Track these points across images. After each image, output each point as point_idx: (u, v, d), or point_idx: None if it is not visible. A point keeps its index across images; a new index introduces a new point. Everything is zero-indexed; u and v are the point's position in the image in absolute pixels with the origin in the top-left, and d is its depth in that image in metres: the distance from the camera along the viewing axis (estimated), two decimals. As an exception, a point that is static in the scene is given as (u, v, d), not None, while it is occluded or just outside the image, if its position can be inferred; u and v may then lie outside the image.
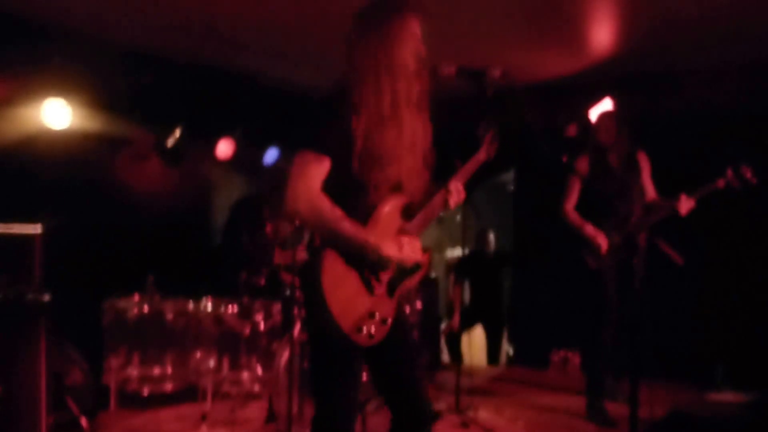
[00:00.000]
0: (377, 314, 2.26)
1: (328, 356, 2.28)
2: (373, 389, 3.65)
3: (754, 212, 5.77)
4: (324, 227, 2.21)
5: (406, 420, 2.41)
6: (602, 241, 4.62)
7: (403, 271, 2.34)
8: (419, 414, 2.41)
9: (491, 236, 7.28)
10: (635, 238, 4.55)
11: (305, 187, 2.19)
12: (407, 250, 2.30)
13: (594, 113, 5.19)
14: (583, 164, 4.91)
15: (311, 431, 2.32)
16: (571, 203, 4.88)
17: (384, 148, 2.23)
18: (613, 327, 4.65)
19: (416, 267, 2.38)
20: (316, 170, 2.20)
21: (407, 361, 2.42)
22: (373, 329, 2.24)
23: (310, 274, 2.20)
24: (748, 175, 4.43)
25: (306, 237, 4.51)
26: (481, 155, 2.54)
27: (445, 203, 2.41)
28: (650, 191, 4.79)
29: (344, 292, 2.21)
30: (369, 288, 2.25)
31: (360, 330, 2.21)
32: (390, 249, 2.25)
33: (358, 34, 2.29)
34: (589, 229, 4.68)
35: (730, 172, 4.45)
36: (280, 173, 5.34)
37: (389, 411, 2.45)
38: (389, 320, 2.30)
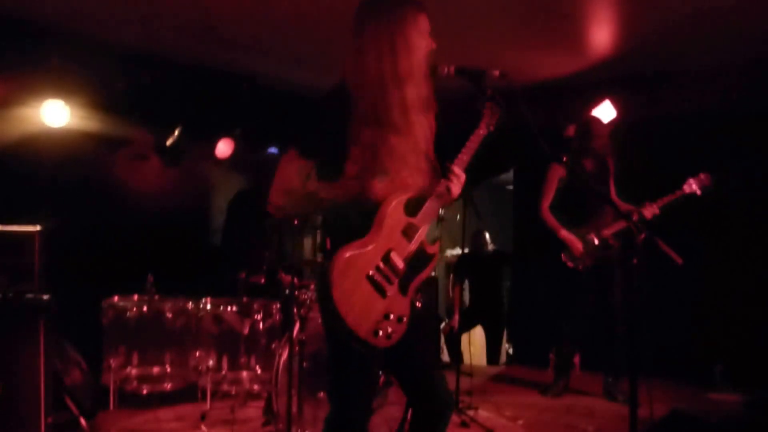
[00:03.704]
0: (392, 314, 2.24)
1: (346, 360, 2.28)
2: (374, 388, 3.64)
3: (753, 212, 5.78)
4: (304, 202, 2.28)
5: (426, 410, 2.43)
6: (576, 245, 5.01)
7: (414, 266, 2.32)
8: (438, 404, 2.43)
9: (487, 237, 7.29)
10: (609, 242, 4.99)
11: (280, 180, 2.30)
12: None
13: (594, 116, 5.25)
14: (559, 167, 5.18)
15: (325, 430, 2.33)
16: (547, 202, 5.20)
17: (385, 149, 2.23)
18: (584, 322, 5.19)
19: (427, 260, 2.37)
20: (297, 168, 2.27)
21: (423, 355, 2.43)
22: (389, 330, 2.23)
23: (322, 285, 2.20)
24: (707, 182, 4.79)
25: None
26: (482, 129, 2.48)
27: (448, 190, 2.36)
28: (613, 195, 5.13)
29: (357, 299, 2.19)
30: (380, 291, 2.24)
31: (377, 333, 2.21)
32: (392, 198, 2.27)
33: (363, 30, 2.27)
34: (564, 233, 5.05)
35: (690, 180, 4.80)
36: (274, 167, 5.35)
37: (409, 403, 2.50)
38: (405, 318, 2.29)
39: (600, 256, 5.02)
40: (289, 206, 2.39)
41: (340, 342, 2.24)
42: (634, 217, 4.79)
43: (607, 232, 5.00)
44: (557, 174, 5.20)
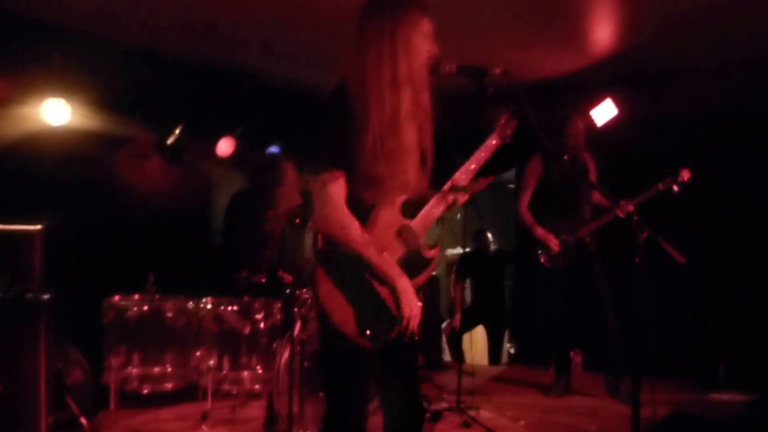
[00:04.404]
0: (382, 316, 2.24)
1: (337, 358, 2.27)
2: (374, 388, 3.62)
3: (756, 211, 5.76)
4: (351, 249, 2.21)
5: (401, 419, 2.40)
6: (552, 244, 5.04)
7: (409, 269, 2.29)
8: (414, 413, 2.41)
9: (489, 236, 7.28)
10: (585, 241, 5.06)
11: (334, 210, 2.19)
12: (414, 300, 2.24)
13: (571, 115, 5.26)
14: (536, 163, 5.27)
15: (322, 428, 2.32)
16: (525, 201, 5.26)
17: (382, 153, 2.21)
18: (569, 320, 5.28)
19: (424, 264, 2.35)
20: (337, 188, 2.19)
21: (409, 360, 2.41)
22: (379, 331, 2.22)
23: (312, 281, 2.20)
24: (686, 177, 4.71)
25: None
26: (495, 140, 2.46)
27: (454, 200, 2.36)
28: (596, 193, 5.14)
29: (344, 298, 2.19)
30: (370, 292, 2.23)
31: (365, 334, 2.19)
32: (403, 284, 2.21)
33: (365, 31, 2.25)
34: (540, 231, 5.09)
35: (668, 176, 4.74)
36: (278, 169, 5.34)
37: (383, 408, 2.44)
38: (396, 321, 2.26)
39: (576, 256, 5.06)
40: (338, 241, 2.26)
41: (330, 340, 2.23)
42: (609, 216, 4.88)
43: (583, 231, 5.05)
44: (535, 170, 5.27)
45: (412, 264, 2.30)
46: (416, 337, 2.28)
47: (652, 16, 4.84)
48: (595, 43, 5.38)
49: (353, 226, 2.19)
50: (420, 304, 2.27)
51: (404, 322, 2.23)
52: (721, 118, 5.79)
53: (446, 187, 2.38)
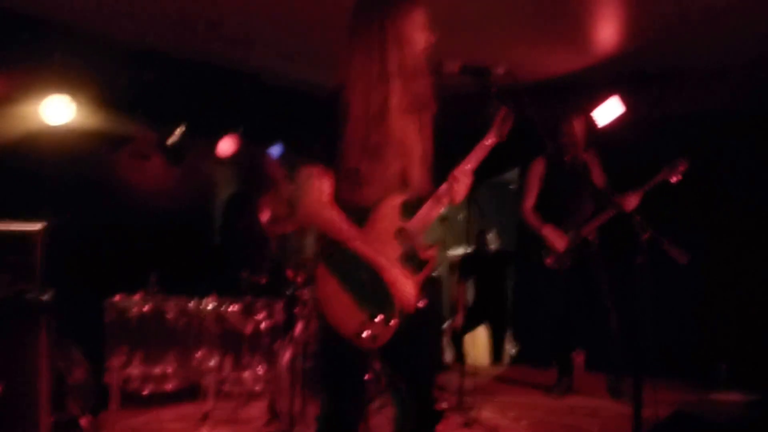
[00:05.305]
0: (379, 316, 2.23)
1: (335, 357, 2.27)
2: (376, 388, 3.63)
3: (758, 211, 5.75)
4: (337, 239, 2.23)
5: (410, 418, 2.40)
6: (560, 243, 5.03)
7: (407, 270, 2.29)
8: (424, 413, 2.40)
9: (491, 236, 7.28)
10: (589, 239, 5.07)
11: (315, 202, 2.23)
12: (406, 288, 2.25)
13: (568, 115, 5.24)
14: (539, 165, 5.28)
15: (317, 429, 2.31)
16: (530, 203, 5.25)
17: (378, 149, 2.21)
18: (570, 321, 5.28)
19: (421, 264, 2.33)
20: (321, 182, 2.22)
21: (418, 359, 2.40)
22: (375, 332, 2.22)
23: (312, 281, 2.22)
24: (683, 168, 4.70)
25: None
26: (491, 139, 2.41)
27: (451, 193, 2.33)
28: (598, 192, 5.13)
29: (342, 298, 2.19)
30: (369, 292, 2.23)
31: (361, 334, 2.19)
32: (392, 275, 2.22)
33: (356, 26, 2.26)
34: (548, 231, 5.07)
35: (666, 167, 4.73)
36: (276, 168, 5.33)
37: (395, 407, 2.45)
38: (393, 321, 2.26)
39: (580, 255, 5.06)
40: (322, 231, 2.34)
41: (328, 340, 2.24)
42: (611, 212, 4.89)
43: (586, 230, 5.05)
44: (538, 172, 5.25)
45: (410, 265, 2.29)
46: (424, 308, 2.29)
47: (655, 17, 4.83)
48: (598, 42, 5.36)
49: (337, 218, 2.21)
50: (414, 292, 2.26)
51: (396, 311, 2.22)
52: (724, 119, 5.79)
53: (444, 185, 2.35)
